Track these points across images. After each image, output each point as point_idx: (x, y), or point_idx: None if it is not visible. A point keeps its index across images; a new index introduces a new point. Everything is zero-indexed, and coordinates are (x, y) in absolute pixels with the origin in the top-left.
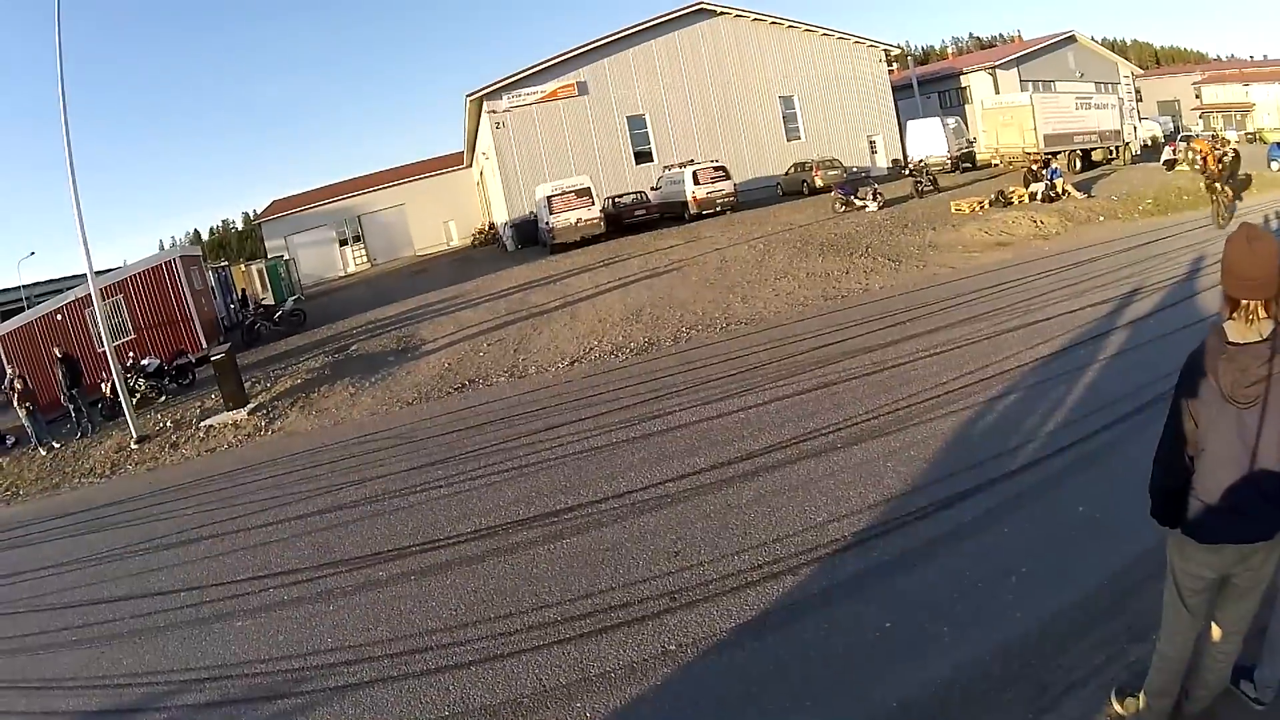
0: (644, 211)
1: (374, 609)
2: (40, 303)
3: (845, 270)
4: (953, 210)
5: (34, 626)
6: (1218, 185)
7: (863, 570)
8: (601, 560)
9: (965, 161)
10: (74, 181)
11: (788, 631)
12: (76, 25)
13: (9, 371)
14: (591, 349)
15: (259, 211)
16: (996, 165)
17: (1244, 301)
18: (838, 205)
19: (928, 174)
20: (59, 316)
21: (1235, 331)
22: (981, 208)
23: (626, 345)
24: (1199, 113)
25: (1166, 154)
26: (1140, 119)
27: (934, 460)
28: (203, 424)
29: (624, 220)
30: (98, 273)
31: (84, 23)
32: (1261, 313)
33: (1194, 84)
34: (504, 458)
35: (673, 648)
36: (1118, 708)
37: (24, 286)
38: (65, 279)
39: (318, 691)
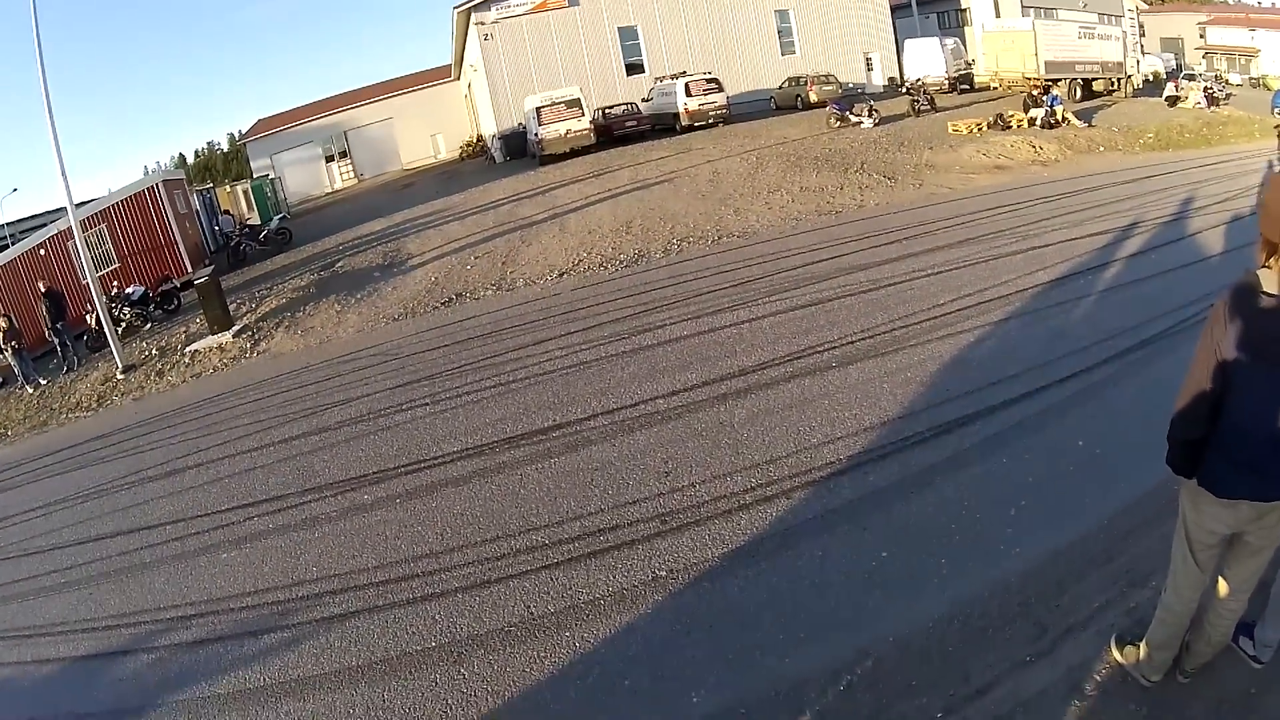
0: (635, 123)
1: (359, 535)
2: (24, 239)
3: (840, 186)
4: (950, 131)
5: (24, 572)
6: None
7: (859, 496)
8: (590, 480)
9: (963, 83)
10: (50, 109)
11: (781, 558)
12: None
13: None
14: (580, 261)
15: (244, 132)
16: (995, 89)
17: None
18: (832, 121)
19: (925, 93)
20: (42, 251)
21: (1270, 281)
22: (980, 130)
23: (616, 257)
24: (1203, 53)
25: (1169, 90)
26: (1143, 54)
27: (931, 383)
28: (188, 349)
29: (614, 132)
30: (82, 203)
31: None
32: None
33: (1199, 24)
34: (491, 374)
35: (663, 574)
36: (1117, 655)
37: (7, 224)
38: (50, 213)
39: (304, 624)
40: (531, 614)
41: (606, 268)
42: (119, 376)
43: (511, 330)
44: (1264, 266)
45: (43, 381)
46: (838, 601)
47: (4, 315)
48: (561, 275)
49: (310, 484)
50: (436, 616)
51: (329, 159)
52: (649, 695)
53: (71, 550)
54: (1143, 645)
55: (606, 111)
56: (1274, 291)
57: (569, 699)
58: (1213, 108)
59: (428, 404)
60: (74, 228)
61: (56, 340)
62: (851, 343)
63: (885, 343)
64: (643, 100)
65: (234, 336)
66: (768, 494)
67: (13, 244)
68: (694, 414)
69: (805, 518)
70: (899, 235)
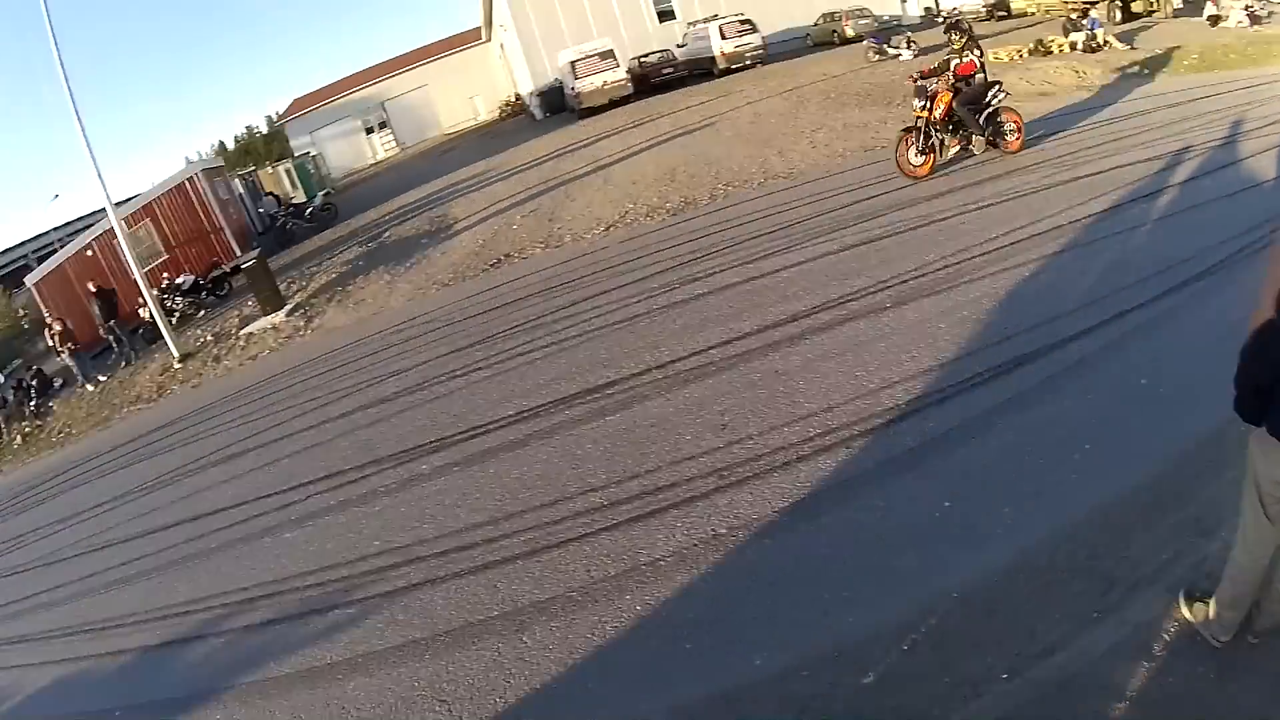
0: (671, 70)
1: (418, 505)
2: (71, 241)
3: (883, 120)
4: (991, 59)
5: (97, 565)
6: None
7: (919, 443)
8: (647, 437)
9: (1000, 9)
10: (77, 114)
11: (841, 511)
12: None
13: (47, 317)
14: (626, 213)
15: (280, 113)
16: (1032, 14)
17: None
18: (871, 55)
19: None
20: (89, 252)
21: None
22: (1020, 57)
23: (662, 206)
24: None
25: (1209, 9)
26: None
27: (988, 321)
28: (242, 332)
29: (651, 80)
30: (123, 201)
31: None
32: None
33: None
34: (543, 333)
35: (723, 531)
36: (1186, 613)
37: (55, 229)
38: (94, 214)
39: (369, 599)
40: (592, 578)
41: (652, 218)
42: (176, 365)
43: (561, 287)
44: None
45: (102, 378)
46: (900, 556)
47: (58, 319)
48: (608, 228)
49: (369, 457)
50: (498, 585)
51: (369, 130)
52: (710, 658)
53: (140, 541)
54: (1211, 604)
55: (642, 60)
56: None
57: (631, 664)
58: (1255, 27)
59: (481, 368)
60: (115, 225)
61: (111, 337)
62: (905, 282)
63: (939, 280)
64: (677, 46)
65: (287, 316)
66: (826, 443)
67: (62, 248)
68: (748, 363)
69: (865, 467)
70: (947, 168)
